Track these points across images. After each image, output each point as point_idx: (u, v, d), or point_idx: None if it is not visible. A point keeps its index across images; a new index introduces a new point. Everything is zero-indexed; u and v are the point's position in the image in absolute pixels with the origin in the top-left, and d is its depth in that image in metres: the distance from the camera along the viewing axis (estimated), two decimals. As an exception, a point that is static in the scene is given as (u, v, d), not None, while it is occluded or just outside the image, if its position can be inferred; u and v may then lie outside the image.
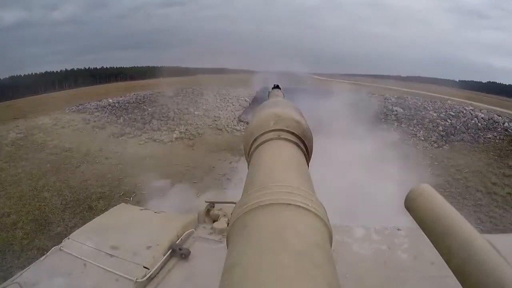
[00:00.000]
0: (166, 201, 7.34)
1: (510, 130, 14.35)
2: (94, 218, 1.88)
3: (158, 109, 16.79)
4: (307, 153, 1.02)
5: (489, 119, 15.70)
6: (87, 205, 7.75)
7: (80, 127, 14.48)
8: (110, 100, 18.57)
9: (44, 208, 7.67)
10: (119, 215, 1.95)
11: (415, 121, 15.24)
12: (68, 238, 1.60)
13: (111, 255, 1.45)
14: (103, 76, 35.16)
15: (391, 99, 18.91)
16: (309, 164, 1.01)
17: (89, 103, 18.16)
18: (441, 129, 14.42)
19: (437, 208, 0.66)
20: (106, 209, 2.14)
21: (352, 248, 1.57)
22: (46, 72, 32.19)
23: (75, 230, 1.69)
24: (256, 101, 16.48)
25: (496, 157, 11.66)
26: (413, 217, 0.72)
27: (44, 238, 6.45)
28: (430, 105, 17.69)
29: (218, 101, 18.41)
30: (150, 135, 13.46)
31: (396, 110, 16.79)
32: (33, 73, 31.10)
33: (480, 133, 14.09)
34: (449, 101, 18.88)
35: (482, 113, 16.54)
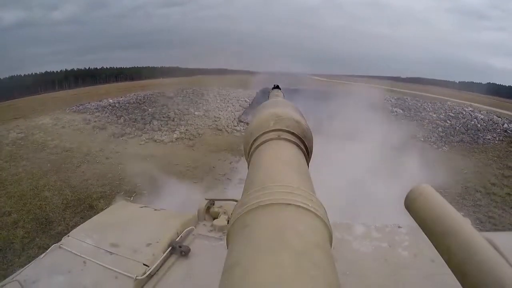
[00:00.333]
0: (166, 201, 7.34)
1: (509, 131, 14.32)
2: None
3: (158, 109, 16.75)
4: (307, 153, 1.02)
5: (488, 120, 15.68)
6: (87, 204, 7.74)
7: (80, 127, 14.46)
8: (111, 100, 18.55)
9: (45, 207, 7.67)
10: (119, 213, 1.94)
11: (415, 122, 15.24)
12: (68, 236, 1.59)
13: (111, 253, 1.45)
14: (103, 76, 35.06)
15: (391, 100, 18.93)
16: (309, 164, 1.01)
17: (89, 103, 18.11)
18: (441, 130, 14.42)
19: (437, 208, 0.67)
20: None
21: (352, 245, 1.56)
22: (46, 72, 32.05)
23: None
24: (256, 102, 16.51)
25: (496, 158, 11.66)
26: (413, 217, 0.72)
27: (45, 237, 6.45)
28: (429, 106, 17.69)
29: (218, 101, 18.38)
30: (151, 136, 13.43)
31: (396, 111, 16.81)
32: (33, 73, 30.95)
33: (480, 134, 14.06)
34: (448, 102, 18.85)
35: (481, 114, 16.52)
